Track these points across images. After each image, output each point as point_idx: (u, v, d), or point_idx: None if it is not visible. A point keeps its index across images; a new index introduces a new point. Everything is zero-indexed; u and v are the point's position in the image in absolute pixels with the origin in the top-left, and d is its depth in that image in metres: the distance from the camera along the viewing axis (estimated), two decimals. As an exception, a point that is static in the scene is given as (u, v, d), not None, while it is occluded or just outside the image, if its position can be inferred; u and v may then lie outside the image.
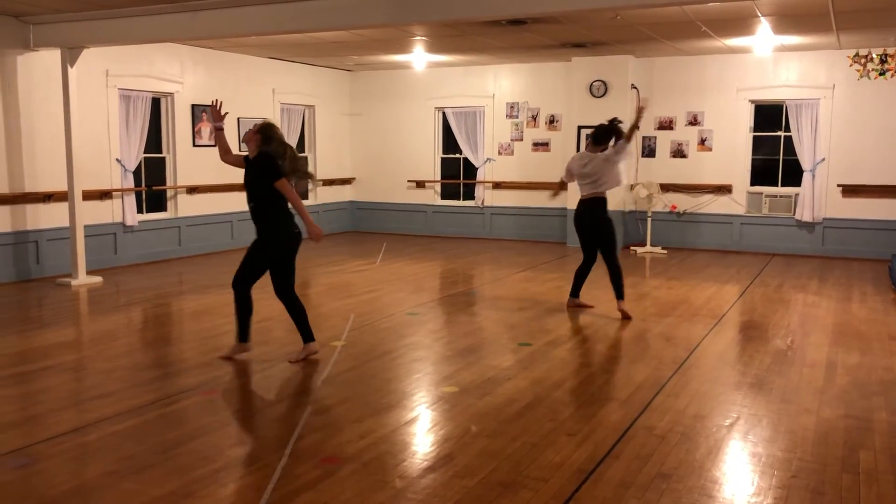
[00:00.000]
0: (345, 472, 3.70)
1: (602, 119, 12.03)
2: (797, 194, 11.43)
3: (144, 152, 10.31)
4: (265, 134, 5.58)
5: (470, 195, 13.66)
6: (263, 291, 8.59)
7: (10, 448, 3.99)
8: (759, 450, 4.04)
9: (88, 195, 9.26)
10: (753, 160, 11.80)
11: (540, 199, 12.36)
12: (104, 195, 9.73)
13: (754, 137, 11.78)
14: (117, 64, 9.73)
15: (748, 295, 8.44)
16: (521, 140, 13.02)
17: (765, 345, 6.29)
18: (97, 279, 8.92)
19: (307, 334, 5.77)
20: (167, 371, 5.56)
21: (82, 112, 8.97)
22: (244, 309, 5.76)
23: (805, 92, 11.20)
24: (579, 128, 12.15)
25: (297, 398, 4.83)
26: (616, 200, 12.07)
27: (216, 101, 5.90)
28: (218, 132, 5.88)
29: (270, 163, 5.47)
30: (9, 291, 8.33)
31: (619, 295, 7.23)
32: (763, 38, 9.79)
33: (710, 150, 11.90)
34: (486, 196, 13.35)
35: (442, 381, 5.22)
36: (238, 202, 11.67)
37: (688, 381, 5.24)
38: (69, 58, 8.53)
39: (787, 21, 8.71)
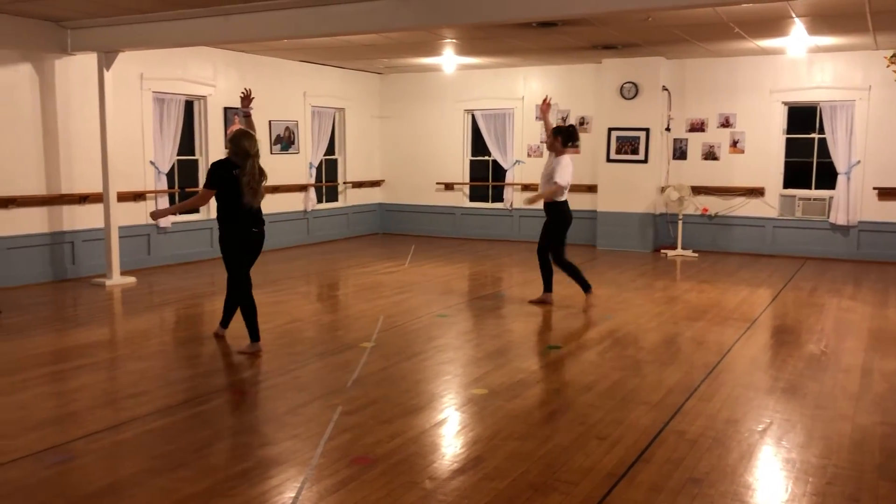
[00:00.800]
0: (375, 472, 3.72)
1: (634, 121, 12.01)
2: (831, 197, 11.26)
3: (178, 154, 10.44)
4: (232, 144, 5.81)
5: (499, 197, 13.65)
6: (291, 293, 8.68)
7: (47, 445, 4.07)
8: (793, 456, 3.99)
9: (123, 197, 9.41)
10: (786, 162, 11.65)
11: (573, 201, 12.28)
12: (138, 197, 9.88)
13: (787, 139, 11.63)
14: (151, 67, 9.88)
15: (781, 299, 8.34)
16: (551, 142, 12.96)
17: (798, 349, 6.21)
18: (131, 279, 9.05)
19: (225, 320, 6.31)
20: (199, 371, 5.63)
21: (117, 115, 9.12)
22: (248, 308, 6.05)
23: (840, 93, 11.03)
24: (610, 130, 12.09)
25: (327, 398, 4.86)
26: (647, 203, 12.03)
27: (247, 89, 6.16)
28: (246, 118, 6.11)
29: (211, 169, 5.85)
30: (45, 291, 8.49)
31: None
32: (797, 39, 9.67)
33: (743, 152, 11.77)
34: (514, 198, 13.33)
35: (471, 384, 5.23)
36: (270, 205, 11.78)
37: (719, 385, 5.19)
38: (105, 62, 8.67)
39: (822, 22, 8.59)
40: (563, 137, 7.64)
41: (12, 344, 6.20)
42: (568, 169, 7.64)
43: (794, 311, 7.73)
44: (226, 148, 5.91)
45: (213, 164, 5.88)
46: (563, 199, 7.68)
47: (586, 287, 7.75)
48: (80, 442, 4.12)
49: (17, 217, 8.57)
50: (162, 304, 8.14)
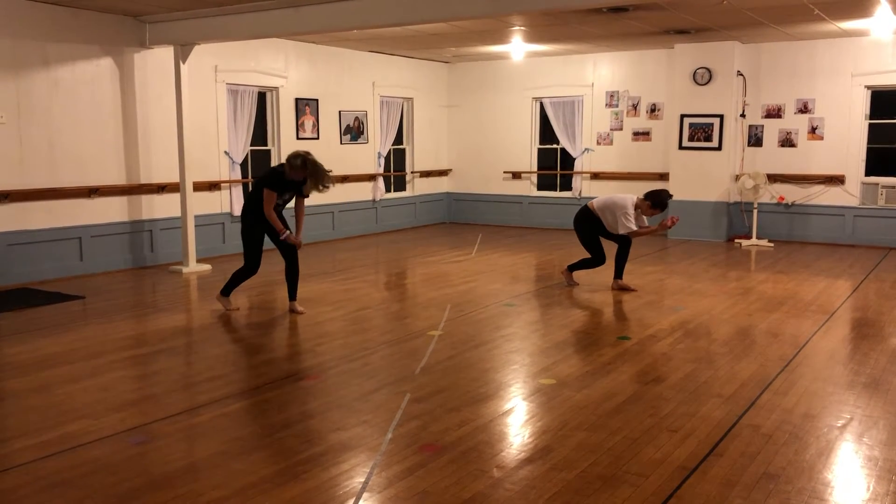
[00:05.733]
0: (443, 460, 3.74)
1: (707, 108, 11.70)
2: (917, 185, 10.79)
3: (251, 145, 10.67)
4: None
5: (567, 186, 13.52)
6: (360, 281, 8.78)
7: (129, 426, 4.23)
8: (876, 453, 3.85)
9: (198, 186, 9.67)
10: (869, 149, 11.21)
11: (639, 190, 12.07)
12: (213, 186, 10.14)
13: (870, 125, 11.18)
14: (225, 60, 10.10)
15: (862, 290, 8.04)
16: (621, 129, 12.78)
17: (880, 343, 5.98)
18: (206, 267, 9.31)
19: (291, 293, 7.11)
20: (272, 356, 5.76)
21: (193, 107, 9.37)
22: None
23: (928, 76, 10.54)
24: (682, 116, 11.83)
25: (395, 386, 4.91)
26: (720, 191, 11.76)
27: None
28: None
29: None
30: (125, 277, 8.80)
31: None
32: (882, 20, 9.24)
33: (822, 138, 11.37)
34: (583, 187, 13.18)
35: (539, 373, 5.20)
36: (339, 195, 11.94)
37: (796, 379, 5.04)
38: (181, 54, 8.91)
39: (910, 1, 8.21)
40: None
41: (95, 328, 6.45)
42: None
43: (876, 304, 7.44)
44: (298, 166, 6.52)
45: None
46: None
47: (573, 268, 8.26)
48: (159, 423, 4.26)
49: (99, 206, 8.91)
50: (236, 290, 8.31)
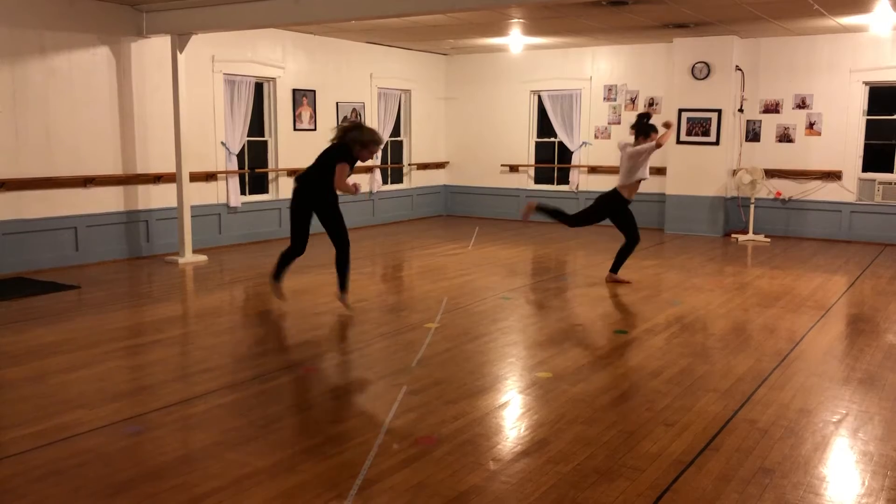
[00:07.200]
0: (439, 452, 3.74)
1: (705, 102, 11.70)
2: (914, 181, 10.80)
3: (248, 136, 10.63)
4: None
5: (564, 180, 13.51)
6: (356, 273, 8.75)
7: (124, 416, 4.21)
8: (871, 448, 3.86)
9: (195, 177, 9.63)
10: (866, 145, 11.21)
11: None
12: (210, 177, 10.10)
13: (868, 121, 11.18)
14: (223, 50, 10.06)
15: (858, 286, 8.05)
16: (619, 123, 12.76)
17: (876, 339, 5.99)
18: (202, 258, 9.28)
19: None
20: (268, 347, 5.74)
21: (190, 96, 9.32)
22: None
23: (926, 73, 10.54)
24: (680, 111, 11.82)
25: (392, 378, 4.90)
26: (717, 186, 11.76)
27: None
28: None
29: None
30: (121, 268, 8.77)
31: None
32: (881, 16, 9.23)
33: (819, 134, 11.37)
34: (580, 180, 13.17)
35: (535, 367, 5.20)
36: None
37: (792, 374, 5.05)
38: (178, 44, 8.86)
39: (909, -3, 8.20)
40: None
41: (91, 318, 6.43)
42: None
43: (872, 300, 7.45)
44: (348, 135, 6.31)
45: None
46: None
47: (616, 268, 8.03)
48: (155, 414, 4.25)
49: (95, 196, 8.87)
50: (232, 281, 8.32)
